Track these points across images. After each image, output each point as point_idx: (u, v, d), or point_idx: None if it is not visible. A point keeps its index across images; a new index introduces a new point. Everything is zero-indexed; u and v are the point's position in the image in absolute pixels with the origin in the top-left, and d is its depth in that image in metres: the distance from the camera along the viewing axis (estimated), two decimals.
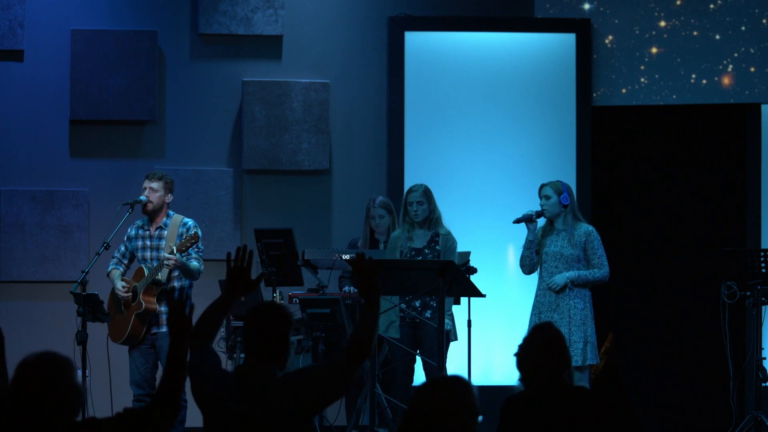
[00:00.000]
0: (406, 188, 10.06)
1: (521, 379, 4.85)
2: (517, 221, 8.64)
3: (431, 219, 8.71)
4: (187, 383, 8.81)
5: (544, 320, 8.48)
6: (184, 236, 8.57)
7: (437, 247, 8.65)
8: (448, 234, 8.70)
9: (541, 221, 8.68)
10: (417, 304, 8.58)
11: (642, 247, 10.41)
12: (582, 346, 8.46)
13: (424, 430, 3.91)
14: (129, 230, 8.74)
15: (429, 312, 8.52)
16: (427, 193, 8.72)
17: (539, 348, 4.81)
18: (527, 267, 8.66)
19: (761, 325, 8.96)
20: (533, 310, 8.65)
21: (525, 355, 4.83)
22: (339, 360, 4.48)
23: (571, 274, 8.52)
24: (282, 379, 4.51)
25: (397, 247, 8.66)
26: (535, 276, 8.77)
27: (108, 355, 8.39)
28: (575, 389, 4.95)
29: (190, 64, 10.18)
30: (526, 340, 4.87)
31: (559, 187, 8.62)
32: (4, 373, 6.72)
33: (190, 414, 8.62)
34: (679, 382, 10.32)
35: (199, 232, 8.61)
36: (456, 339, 8.68)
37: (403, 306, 8.55)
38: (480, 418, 3.99)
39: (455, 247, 8.68)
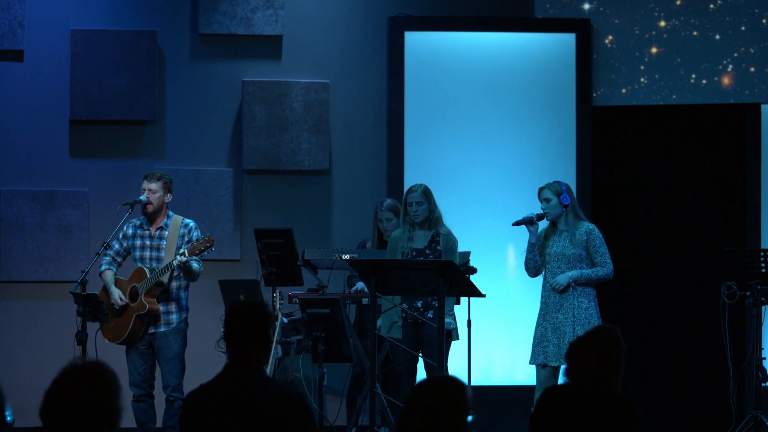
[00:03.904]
0: (406, 188, 10.05)
1: (566, 371, 4.86)
2: (517, 224, 8.62)
3: (431, 219, 8.69)
4: (186, 379, 8.80)
5: (550, 321, 8.49)
6: (185, 237, 8.56)
7: (438, 247, 8.64)
8: (449, 233, 8.69)
9: (543, 223, 8.68)
10: (419, 304, 8.58)
11: (642, 247, 10.40)
12: None
13: (422, 429, 3.93)
14: (125, 228, 8.69)
15: (431, 312, 8.51)
16: (426, 193, 8.70)
17: (592, 347, 4.81)
18: (532, 270, 8.65)
19: (761, 325, 8.96)
20: (540, 310, 8.64)
21: (577, 350, 4.83)
22: None
23: (573, 273, 8.52)
24: (270, 393, 4.48)
25: (398, 248, 8.65)
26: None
27: (96, 355, 8.37)
28: (614, 396, 4.88)
29: (190, 64, 10.18)
30: (586, 335, 4.88)
31: (558, 189, 8.61)
32: None
33: None
34: (679, 383, 10.32)
35: (200, 233, 8.61)
36: (458, 338, 8.68)
37: (405, 306, 8.55)
38: (470, 417, 4.02)
39: (456, 247, 8.67)
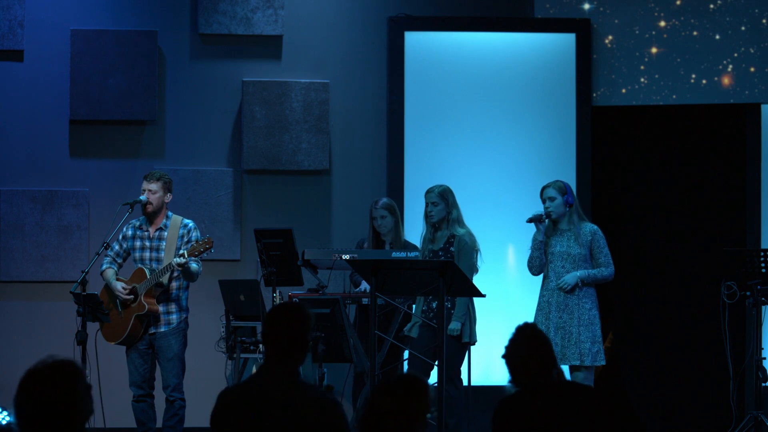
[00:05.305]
0: (406, 188, 10.10)
1: (512, 380, 4.85)
2: (530, 221, 8.60)
3: (448, 220, 8.76)
4: (186, 379, 8.79)
5: (553, 320, 8.49)
6: (184, 237, 8.56)
7: (451, 248, 8.69)
8: (464, 234, 8.73)
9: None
10: (435, 305, 8.59)
11: (642, 247, 10.40)
12: (589, 345, 8.46)
13: (384, 428, 3.96)
14: (125, 229, 8.70)
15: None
16: (443, 194, 8.77)
17: (528, 347, 4.81)
18: (536, 268, 8.64)
19: (761, 325, 8.96)
20: (540, 310, 8.63)
21: (514, 355, 4.83)
22: None
23: (581, 273, 8.53)
24: (304, 396, 4.48)
25: (422, 249, 8.75)
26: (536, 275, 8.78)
27: (96, 355, 8.37)
28: (567, 384, 4.96)
29: (190, 64, 10.18)
30: (512, 340, 4.87)
31: (563, 188, 8.62)
32: None
33: (189, 414, 8.62)
34: (679, 382, 10.31)
35: (199, 234, 8.60)
36: (472, 342, 8.67)
37: (424, 308, 8.62)
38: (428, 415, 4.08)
39: (469, 247, 8.70)
